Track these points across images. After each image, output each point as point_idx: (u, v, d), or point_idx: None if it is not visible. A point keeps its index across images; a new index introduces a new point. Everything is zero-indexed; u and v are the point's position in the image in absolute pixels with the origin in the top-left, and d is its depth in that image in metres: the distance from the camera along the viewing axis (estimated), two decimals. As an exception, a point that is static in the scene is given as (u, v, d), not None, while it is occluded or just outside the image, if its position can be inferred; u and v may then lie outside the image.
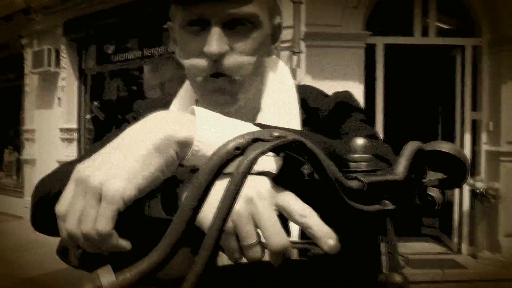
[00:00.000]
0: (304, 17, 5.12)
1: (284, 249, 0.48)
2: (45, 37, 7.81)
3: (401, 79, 6.36)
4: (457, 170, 0.60)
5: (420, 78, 6.62)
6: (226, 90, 0.80)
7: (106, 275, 0.38)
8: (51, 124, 7.78)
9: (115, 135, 0.56)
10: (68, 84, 7.67)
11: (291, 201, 0.50)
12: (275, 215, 0.49)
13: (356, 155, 0.52)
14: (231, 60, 0.78)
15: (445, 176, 0.60)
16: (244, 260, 0.50)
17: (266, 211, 0.49)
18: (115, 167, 0.50)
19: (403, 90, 6.47)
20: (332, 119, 0.88)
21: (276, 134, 0.42)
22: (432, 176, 0.59)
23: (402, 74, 6.38)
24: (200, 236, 0.40)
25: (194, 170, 0.55)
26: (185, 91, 0.93)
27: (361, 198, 0.49)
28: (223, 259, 0.71)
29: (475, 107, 5.33)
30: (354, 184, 0.49)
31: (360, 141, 0.52)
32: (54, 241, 0.64)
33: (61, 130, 7.68)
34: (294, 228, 0.56)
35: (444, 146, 0.59)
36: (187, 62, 0.82)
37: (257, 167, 0.50)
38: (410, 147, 0.56)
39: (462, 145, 5.26)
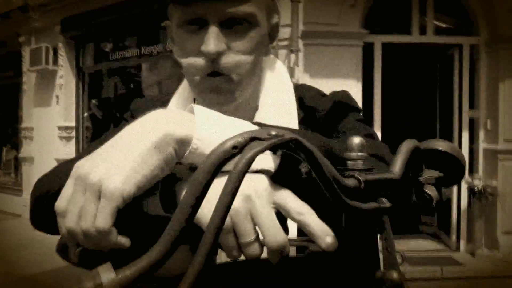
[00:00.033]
0: (302, 15, 5.13)
1: (282, 246, 0.49)
2: (43, 35, 7.80)
3: (399, 77, 6.37)
4: (453, 168, 0.60)
5: (418, 76, 6.64)
6: (224, 89, 0.81)
7: (106, 273, 0.38)
8: (49, 122, 7.77)
9: (114, 133, 0.56)
10: (66, 82, 7.66)
11: (289, 199, 0.51)
12: (273, 212, 0.50)
13: (353, 154, 0.52)
14: (228, 59, 0.78)
15: (442, 174, 0.60)
16: (242, 257, 0.51)
17: (264, 208, 0.49)
18: (115, 164, 0.51)
19: (401, 88, 6.48)
20: (329, 119, 0.89)
21: (273, 133, 0.42)
22: (429, 174, 0.60)
23: (400, 73, 6.39)
24: (199, 233, 0.41)
25: (192, 168, 0.55)
26: (183, 89, 0.93)
27: (358, 196, 0.49)
28: (222, 257, 0.72)
29: (473, 105, 5.34)
30: (351, 182, 0.49)
31: (356, 140, 0.52)
32: (53, 239, 0.64)
33: (59, 128, 7.67)
34: (292, 226, 0.57)
35: (440, 144, 0.59)
36: (184, 61, 0.82)
37: (255, 165, 0.51)
38: (406, 146, 0.56)
39: (460, 143, 5.28)
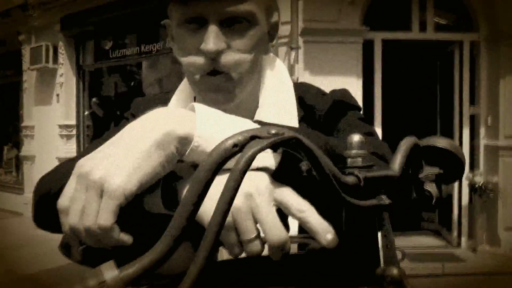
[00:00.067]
0: (301, 12, 5.12)
1: (283, 243, 0.49)
2: (43, 33, 7.79)
3: (399, 74, 6.36)
4: (453, 165, 0.61)
5: (418, 73, 6.62)
6: (223, 88, 0.81)
7: (109, 270, 0.38)
8: (50, 120, 7.77)
9: (115, 132, 0.57)
10: (66, 81, 7.65)
11: (290, 196, 0.51)
12: (274, 210, 0.50)
13: (352, 151, 0.52)
14: (228, 58, 0.78)
15: (442, 171, 0.61)
16: (243, 255, 0.51)
17: (265, 206, 0.50)
18: (117, 162, 0.51)
19: (401, 85, 6.47)
20: (329, 117, 0.89)
21: (273, 131, 0.43)
22: (429, 171, 0.60)
23: (400, 70, 6.38)
24: (201, 231, 0.41)
25: (194, 165, 0.56)
26: (184, 87, 0.94)
27: (358, 193, 0.49)
28: (223, 254, 0.72)
29: (473, 101, 5.33)
30: (350, 179, 0.50)
31: (356, 138, 0.52)
32: (54, 238, 0.64)
33: (60, 126, 7.67)
34: (293, 223, 0.57)
35: (440, 141, 0.59)
36: (184, 60, 0.82)
37: (256, 163, 0.51)
38: (406, 143, 0.56)
39: (460, 139, 5.27)
